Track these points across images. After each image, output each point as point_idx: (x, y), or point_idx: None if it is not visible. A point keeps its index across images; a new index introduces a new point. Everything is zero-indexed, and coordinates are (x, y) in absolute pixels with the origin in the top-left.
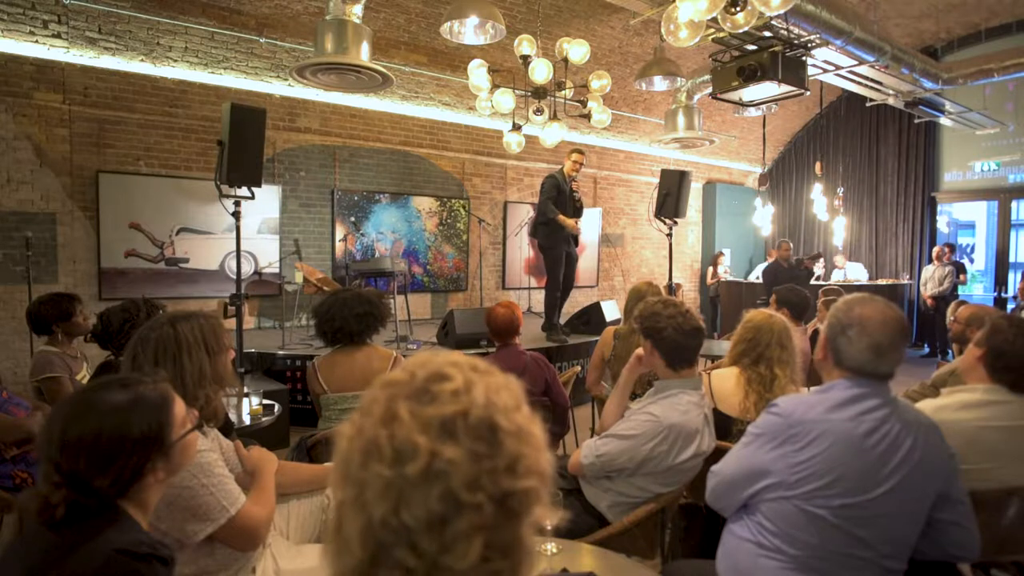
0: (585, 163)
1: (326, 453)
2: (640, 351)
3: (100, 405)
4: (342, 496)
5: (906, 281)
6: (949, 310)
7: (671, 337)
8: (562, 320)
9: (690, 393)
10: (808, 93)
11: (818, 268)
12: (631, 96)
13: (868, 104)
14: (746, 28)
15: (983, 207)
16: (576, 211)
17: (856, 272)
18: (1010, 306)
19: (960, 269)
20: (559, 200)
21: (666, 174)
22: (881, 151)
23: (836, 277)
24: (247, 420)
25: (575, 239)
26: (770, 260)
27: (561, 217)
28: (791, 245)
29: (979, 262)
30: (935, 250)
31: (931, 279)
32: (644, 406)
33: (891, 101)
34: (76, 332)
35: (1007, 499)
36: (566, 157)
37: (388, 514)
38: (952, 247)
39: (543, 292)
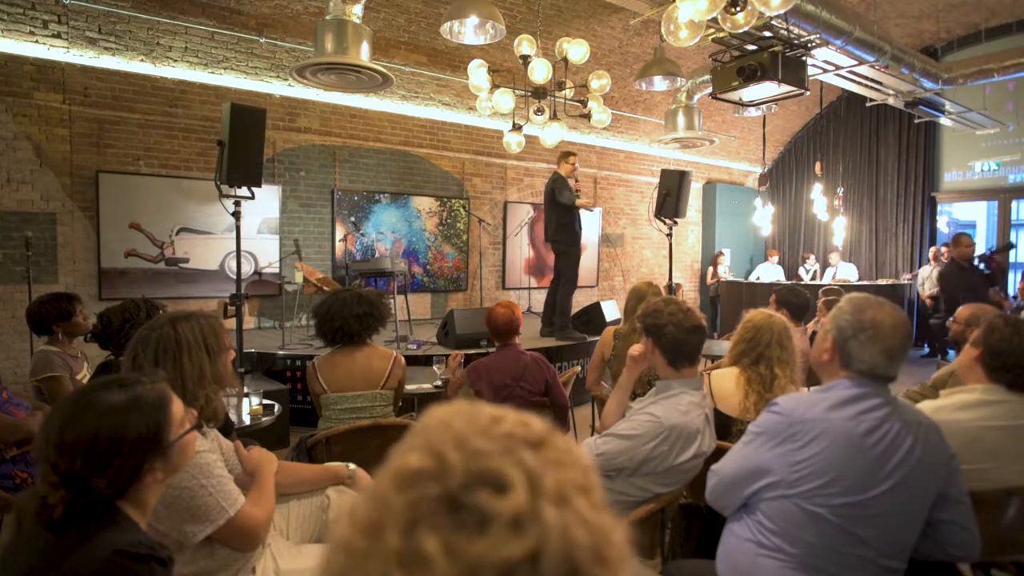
0: (585, 163)
1: (326, 453)
2: (635, 348)
3: (98, 406)
4: None
5: (906, 281)
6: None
7: (672, 334)
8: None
9: (691, 393)
10: (808, 93)
11: (811, 265)
12: (631, 96)
13: (868, 104)
14: (746, 28)
15: (983, 207)
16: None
17: (847, 272)
18: None
19: None
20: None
21: (666, 174)
22: (881, 151)
23: (828, 276)
24: (247, 420)
25: None
26: (926, 263)
27: (579, 201)
28: (972, 239)
29: None
30: (931, 250)
31: (928, 279)
32: (645, 406)
33: (891, 101)
34: (76, 332)
35: (1007, 499)
36: (563, 161)
37: None
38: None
39: (550, 293)
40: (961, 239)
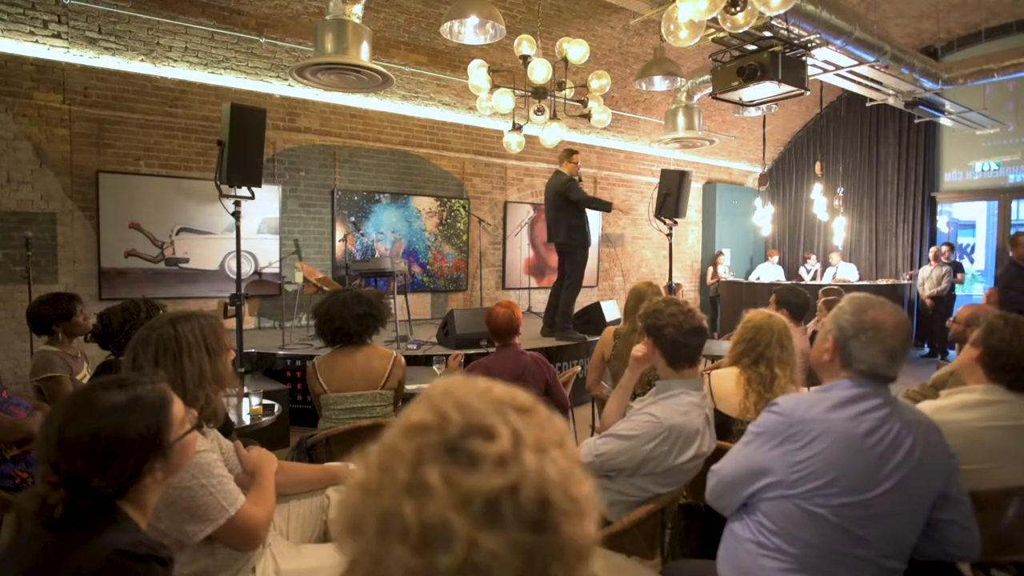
0: (585, 163)
1: (326, 453)
2: (638, 349)
3: (98, 405)
4: (353, 557)
5: (906, 281)
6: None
7: (671, 336)
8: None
9: (691, 394)
10: (808, 93)
11: (812, 265)
12: (631, 96)
13: (868, 104)
14: (746, 28)
15: (983, 207)
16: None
17: (847, 272)
18: None
19: (957, 268)
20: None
21: (666, 174)
22: (881, 151)
23: (828, 276)
24: (247, 420)
25: None
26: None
27: (619, 203)
28: None
29: (979, 262)
30: (932, 251)
31: (928, 279)
32: (645, 406)
33: (891, 101)
34: (76, 332)
35: (1007, 499)
36: (567, 161)
37: None
38: (951, 246)
39: (553, 293)
40: (1019, 239)
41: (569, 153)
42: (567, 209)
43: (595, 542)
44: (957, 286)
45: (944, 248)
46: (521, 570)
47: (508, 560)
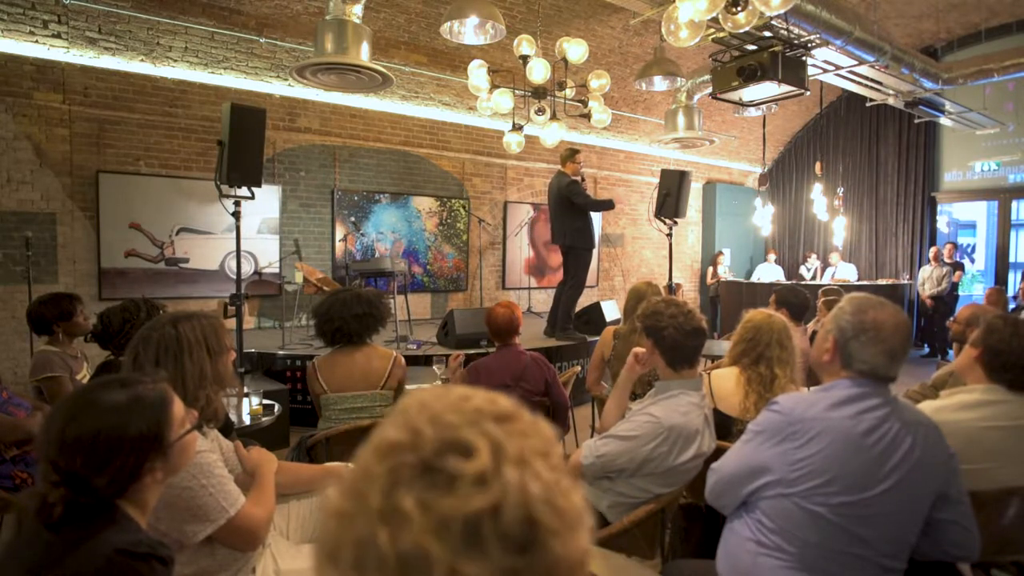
0: (585, 163)
1: (326, 453)
2: (637, 350)
3: (99, 404)
4: None
5: (906, 281)
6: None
7: (671, 337)
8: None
9: (691, 394)
10: (808, 93)
11: (812, 263)
12: (631, 96)
13: (868, 104)
14: (746, 28)
15: (983, 207)
16: None
17: (846, 272)
18: (1010, 306)
19: (955, 267)
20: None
21: (666, 174)
22: (881, 151)
23: (828, 276)
24: (247, 420)
25: None
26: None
27: (616, 197)
28: None
29: (979, 262)
30: (932, 251)
31: (929, 279)
32: (645, 407)
33: (891, 101)
34: (76, 332)
35: (1007, 499)
36: (569, 161)
37: None
38: (954, 245)
39: (557, 293)
40: None
41: (571, 153)
42: (571, 211)
43: (587, 554)
44: (959, 285)
45: (946, 247)
46: None
47: None
